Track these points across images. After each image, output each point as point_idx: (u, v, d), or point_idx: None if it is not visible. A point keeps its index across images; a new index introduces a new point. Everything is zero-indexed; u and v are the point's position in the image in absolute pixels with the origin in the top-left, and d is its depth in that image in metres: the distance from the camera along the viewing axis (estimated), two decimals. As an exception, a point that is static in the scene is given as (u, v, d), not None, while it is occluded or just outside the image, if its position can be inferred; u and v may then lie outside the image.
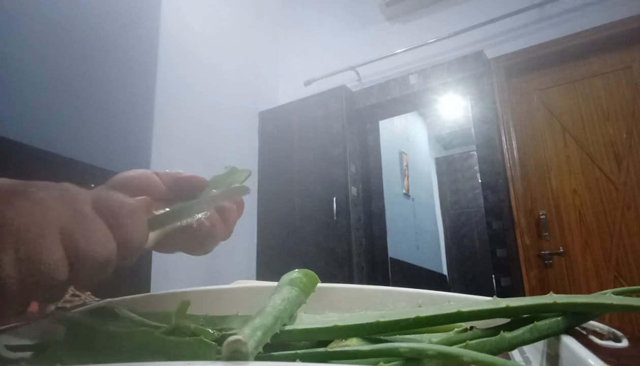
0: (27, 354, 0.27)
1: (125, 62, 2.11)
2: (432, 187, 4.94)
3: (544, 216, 2.27)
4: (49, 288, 0.24)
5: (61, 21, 1.83)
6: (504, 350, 0.22)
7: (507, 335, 0.22)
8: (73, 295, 0.57)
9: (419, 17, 2.90)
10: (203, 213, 0.33)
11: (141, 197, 0.30)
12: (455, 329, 0.25)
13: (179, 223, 0.32)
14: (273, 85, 3.35)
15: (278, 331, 0.23)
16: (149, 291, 0.41)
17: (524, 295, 1.88)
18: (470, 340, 0.22)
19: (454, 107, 4.21)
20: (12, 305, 0.24)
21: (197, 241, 0.34)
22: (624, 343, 0.22)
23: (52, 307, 0.31)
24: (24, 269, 0.23)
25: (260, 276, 2.72)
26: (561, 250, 2.22)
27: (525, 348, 0.28)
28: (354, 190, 2.66)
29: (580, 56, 2.37)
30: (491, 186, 2.38)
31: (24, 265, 0.23)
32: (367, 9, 3.07)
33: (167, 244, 0.34)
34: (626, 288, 0.26)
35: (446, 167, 5.12)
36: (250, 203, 2.89)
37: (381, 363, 0.19)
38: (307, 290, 0.30)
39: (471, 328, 0.24)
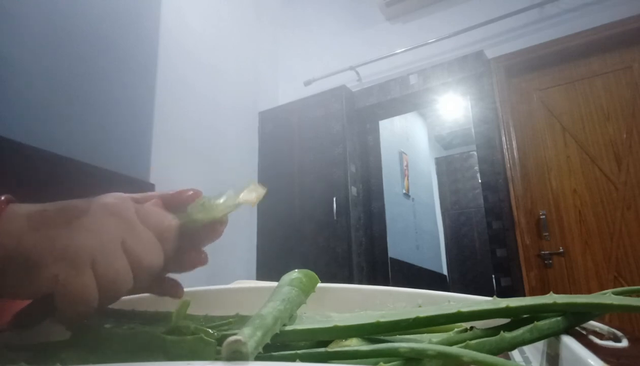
0: (27, 354, 0.27)
1: (125, 62, 2.11)
2: (432, 187, 4.94)
3: (544, 216, 2.27)
4: (114, 298, 0.28)
5: (61, 21, 1.83)
6: (504, 350, 0.22)
7: (507, 335, 0.22)
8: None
9: (419, 17, 2.90)
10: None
11: (170, 214, 0.32)
12: (455, 329, 0.25)
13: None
14: (273, 85, 3.35)
15: (278, 332, 0.23)
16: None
17: (524, 295, 1.88)
18: (470, 340, 0.22)
19: (454, 107, 4.21)
20: (84, 318, 0.27)
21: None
22: (624, 343, 0.22)
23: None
24: (102, 285, 0.26)
25: (260, 276, 2.72)
26: (561, 250, 2.22)
27: (525, 348, 0.28)
28: (354, 190, 2.66)
29: (580, 56, 2.37)
30: (491, 186, 2.38)
31: (102, 282, 0.26)
32: (367, 9, 3.07)
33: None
34: (626, 288, 0.26)
35: (446, 167, 5.12)
36: (250, 203, 2.88)
37: (381, 363, 0.19)
38: (307, 290, 0.30)
39: (471, 328, 0.24)
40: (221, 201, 0.32)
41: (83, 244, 0.26)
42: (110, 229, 0.27)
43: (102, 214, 0.28)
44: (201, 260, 0.33)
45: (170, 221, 0.31)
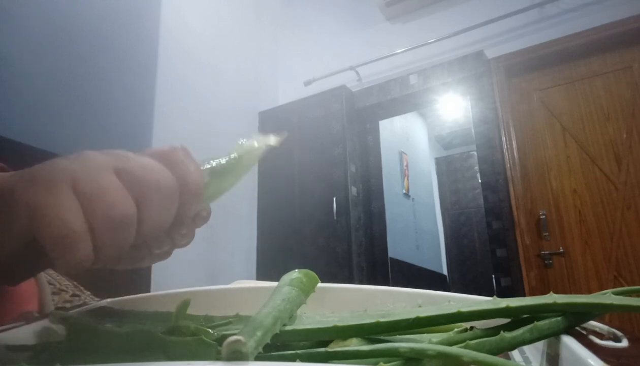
0: (27, 354, 0.27)
1: (125, 62, 2.11)
2: (432, 187, 4.94)
3: (544, 216, 2.27)
4: (117, 228, 0.23)
5: (61, 21, 1.83)
6: (504, 350, 0.22)
7: (507, 335, 0.22)
8: (73, 295, 0.57)
9: (419, 17, 2.90)
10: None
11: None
12: (455, 329, 0.25)
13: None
14: (273, 85, 3.35)
15: (278, 332, 0.23)
16: (149, 291, 0.41)
17: (524, 295, 1.88)
18: (470, 340, 0.22)
19: (454, 107, 4.22)
20: (77, 253, 0.22)
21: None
22: (624, 343, 0.22)
23: (52, 307, 0.31)
24: (90, 207, 0.22)
25: (260, 276, 2.72)
26: (561, 250, 2.22)
27: (525, 348, 0.28)
28: (354, 190, 2.66)
29: (580, 56, 2.37)
30: (491, 186, 2.38)
31: (90, 203, 0.22)
32: (367, 9, 3.07)
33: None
34: (626, 288, 0.26)
35: (446, 167, 5.12)
36: (250, 202, 2.89)
37: (381, 363, 0.19)
38: (307, 290, 0.30)
39: (471, 328, 0.24)
40: (243, 148, 0.31)
41: (61, 166, 0.23)
42: (98, 157, 0.24)
43: (93, 152, 0.25)
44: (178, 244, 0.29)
45: (175, 147, 0.27)
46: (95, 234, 0.22)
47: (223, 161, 0.30)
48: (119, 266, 0.28)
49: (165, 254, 0.30)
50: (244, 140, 0.32)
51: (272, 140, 0.33)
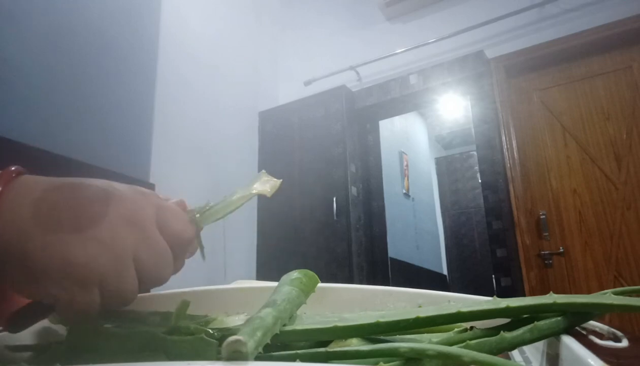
0: (27, 354, 0.27)
1: (125, 62, 2.11)
2: (432, 187, 4.94)
3: (544, 216, 2.27)
4: (117, 307, 0.27)
5: (61, 21, 1.83)
6: (504, 350, 0.22)
7: (507, 335, 0.22)
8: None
9: (419, 17, 2.90)
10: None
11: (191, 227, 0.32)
12: (455, 329, 0.25)
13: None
14: (273, 85, 3.35)
15: (278, 332, 0.23)
16: (148, 291, 0.41)
17: (524, 295, 1.88)
18: (470, 340, 0.22)
19: (454, 107, 4.21)
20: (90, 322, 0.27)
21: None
22: (624, 343, 0.22)
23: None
24: (107, 299, 0.26)
25: (260, 276, 2.72)
26: (561, 250, 2.21)
27: (525, 348, 0.28)
28: (354, 190, 2.66)
29: (580, 56, 2.37)
30: (491, 186, 2.38)
31: (108, 297, 0.26)
32: (367, 9, 3.07)
33: None
34: (626, 288, 0.26)
35: (446, 167, 5.12)
36: (251, 202, 2.88)
37: (381, 363, 0.19)
38: (307, 290, 0.30)
39: (471, 328, 0.24)
40: (233, 198, 0.33)
41: (93, 261, 0.25)
42: (124, 242, 0.26)
43: (118, 223, 0.26)
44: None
45: (190, 233, 0.31)
46: (102, 311, 0.26)
47: (216, 205, 0.33)
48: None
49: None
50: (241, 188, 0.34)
51: (265, 188, 0.34)
